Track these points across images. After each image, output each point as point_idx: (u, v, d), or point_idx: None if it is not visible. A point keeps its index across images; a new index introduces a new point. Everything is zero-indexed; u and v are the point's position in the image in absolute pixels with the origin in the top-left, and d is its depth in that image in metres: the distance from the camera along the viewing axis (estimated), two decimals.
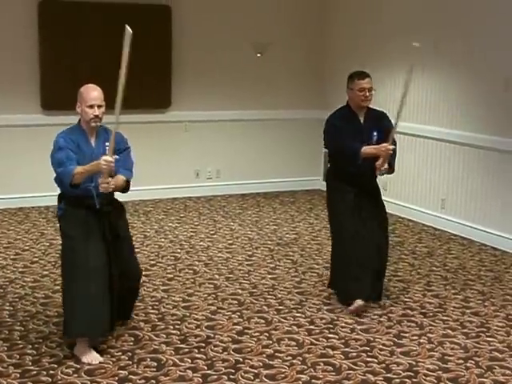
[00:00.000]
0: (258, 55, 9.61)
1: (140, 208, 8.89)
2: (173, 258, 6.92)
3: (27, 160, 8.10)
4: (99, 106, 4.82)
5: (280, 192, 9.89)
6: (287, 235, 7.81)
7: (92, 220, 4.76)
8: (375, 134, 5.57)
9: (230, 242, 7.49)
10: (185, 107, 9.38)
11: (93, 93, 4.86)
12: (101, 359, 4.67)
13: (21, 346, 4.85)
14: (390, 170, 5.57)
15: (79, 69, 8.46)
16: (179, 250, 7.16)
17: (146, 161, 9.24)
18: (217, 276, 6.40)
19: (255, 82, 9.49)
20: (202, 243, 7.42)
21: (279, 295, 5.94)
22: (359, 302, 5.51)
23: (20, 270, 6.47)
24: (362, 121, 5.66)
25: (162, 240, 7.51)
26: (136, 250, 7.00)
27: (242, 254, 7.08)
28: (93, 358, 4.66)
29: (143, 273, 6.32)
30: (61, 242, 4.98)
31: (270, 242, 7.48)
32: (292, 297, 5.91)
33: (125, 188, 4.95)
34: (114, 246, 4.84)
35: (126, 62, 4.58)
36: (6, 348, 4.80)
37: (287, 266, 6.74)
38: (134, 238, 7.37)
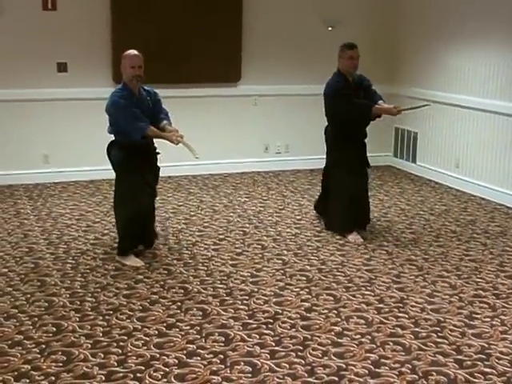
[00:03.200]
0: (329, 29, 9.47)
1: (209, 182, 8.92)
2: (241, 232, 6.92)
3: (99, 133, 8.18)
4: (139, 67, 5.83)
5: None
6: None
7: (143, 162, 5.98)
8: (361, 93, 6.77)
9: (298, 217, 7.45)
10: (255, 81, 9.34)
11: (134, 56, 5.86)
12: (142, 263, 5.93)
13: (92, 317, 4.93)
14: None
15: (150, 42, 8.48)
16: (248, 225, 7.15)
17: (215, 135, 9.28)
18: (285, 252, 6.38)
19: (326, 56, 9.32)
20: (270, 218, 7.40)
21: (348, 272, 5.89)
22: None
23: (91, 241, 6.57)
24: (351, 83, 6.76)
25: (231, 214, 7.52)
26: (205, 224, 7.10)
27: (310, 229, 7.04)
28: (136, 261, 5.96)
29: (212, 247, 6.41)
30: (116, 183, 6.11)
31: None
32: (361, 274, 5.85)
33: None
34: (153, 178, 6.18)
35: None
36: (77, 319, 4.88)
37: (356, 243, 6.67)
38: (203, 213, 7.50)
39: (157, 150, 6.20)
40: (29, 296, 5.25)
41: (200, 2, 8.83)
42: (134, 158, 5.91)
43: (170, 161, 8.76)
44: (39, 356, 4.36)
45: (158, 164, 6.24)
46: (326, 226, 7.07)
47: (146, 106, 5.99)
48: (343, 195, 6.75)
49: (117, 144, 6.00)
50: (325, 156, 7.06)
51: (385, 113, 6.78)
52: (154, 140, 6.14)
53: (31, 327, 4.74)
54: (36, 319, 4.86)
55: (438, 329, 4.83)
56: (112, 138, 6.10)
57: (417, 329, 4.83)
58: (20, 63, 8.37)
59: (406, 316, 5.03)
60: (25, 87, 8.43)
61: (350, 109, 6.61)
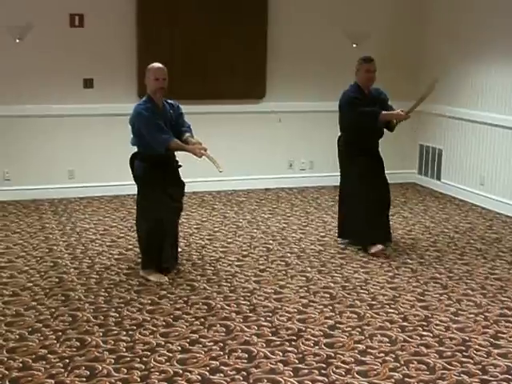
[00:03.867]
0: (354, 46, 9.47)
1: (233, 198, 8.93)
2: (265, 249, 6.92)
3: (124, 148, 8.23)
4: (163, 79, 5.91)
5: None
6: None
7: (165, 175, 6.03)
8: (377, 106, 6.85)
9: (322, 234, 7.44)
10: (279, 98, 9.35)
11: (158, 69, 5.96)
12: (166, 278, 5.93)
13: (115, 332, 4.94)
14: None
15: (176, 59, 8.53)
16: (271, 241, 7.15)
17: (239, 151, 9.31)
18: (309, 268, 6.36)
19: (351, 72, 9.30)
20: (294, 235, 7.39)
21: (372, 290, 5.86)
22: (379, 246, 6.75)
23: (115, 256, 6.60)
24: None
25: (255, 231, 7.52)
26: (229, 240, 7.11)
27: (334, 246, 7.02)
28: (160, 276, 5.97)
29: (235, 263, 6.41)
30: (138, 195, 6.20)
31: None
32: (385, 292, 5.81)
33: None
34: (176, 191, 6.16)
35: None
36: (101, 333, 4.90)
37: (380, 260, 6.63)
38: (226, 229, 7.51)
39: (179, 163, 6.22)
40: (53, 310, 5.28)
41: (225, 19, 8.87)
42: (155, 169, 5.97)
43: (195, 176, 8.78)
44: (63, 371, 4.37)
45: (183, 178, 6.26)
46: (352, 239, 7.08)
47: (169, 119, 6.04)
48: (359, 206, 6.80)
49: (139, 155, 6.06)
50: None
51: (393, 118, 6.85)
52: (177, 153, 6.17)
53: (55, 342, 4.76)
54: (60, 334, 4.88)
55: (463, 348, 4.79)
56: (135, 149, 6.15)
57: (441, 348, 4.79)
58: (47, 79, 8.46)
59: (431, 335, 4.99)
60: (51, 103, 8.51)
61: (358, 115, 6.74)
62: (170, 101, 6.13)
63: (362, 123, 6.80)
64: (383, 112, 6.78)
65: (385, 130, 7.03)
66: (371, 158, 6.96)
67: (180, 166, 6.23)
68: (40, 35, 8.35)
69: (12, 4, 8.23)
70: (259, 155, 9.43)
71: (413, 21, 9.72)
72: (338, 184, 7.19)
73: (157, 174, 5.98)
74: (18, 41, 8.27)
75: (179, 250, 6.47)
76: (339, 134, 7.05)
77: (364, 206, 6.77)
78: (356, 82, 6.94)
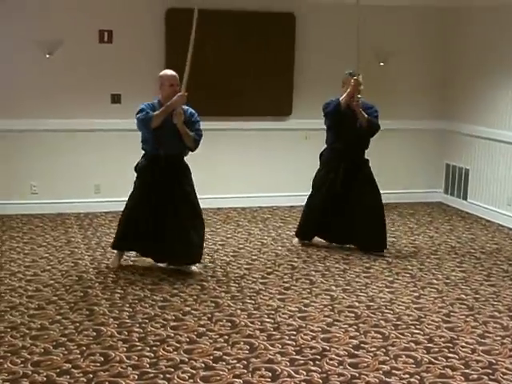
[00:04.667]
0: (381, 64, 9.46)
1: (258, 215, 8.93)
2: (289, 266, 6.89)
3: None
4: (177, 85, 6.30)
5: (399, 203, 9.71)
6: (406, 248, 7.65)
7: (158, 174, 6.35)
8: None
9: (347, 252, 7.40)
10: (305, 115, 9.35)
11: (172, 75, 6.38)
12: (116, 265, 6.65)
13: (139, 347, 4.94)
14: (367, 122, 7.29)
15: (204, 76, 8.58)
16: (296, 259, 7.13)
17: (265, 168, 9.32)
18: (333, 287, 6.33)
19: (377, 91, 9.32)
20: (318, 253, 7.36)
21: (397, 310, 5.81)
22: None
23: (140, 271, 6.61)
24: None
25: (279, 248, 7.51)
26: (253, 257, 7.09)
27: (359, 265, 6.98)
28: (114, 262, 6.66)
29: (260, 280, 6.38)
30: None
31: (388, 255, 7.34)
32: (410, 312, 5.77)
33: (191, 148, 6.46)
34: (177, 197, 6.41)
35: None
36: (125, 349, 4.90)
37: (405, 280, 6.59)
38: (251, 245, 7.50)
39: (180, 167, 6.51)
40: (78, 325, 5.30)
41: (253, 37, 8.91)
42: (153, 166, 6.38)
43: (219, 193, 8.83)
44: None
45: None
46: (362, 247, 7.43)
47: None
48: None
49: (143, 153, 6.51)
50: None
51: (348, 97, 7.23)
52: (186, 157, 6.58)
53: (79, 356, 4.77)
54: (84, 348, 4.89)
55: (490, 371, 4.72)
56: None
57: (467, 370, 4.73)
58: (75, 94, 8.54)
59: (457, 357, 4.94)
60: (79, 117, 8.59)
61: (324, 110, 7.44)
62: (183, 106, 6.35)
63: (328, 112, 7.35)
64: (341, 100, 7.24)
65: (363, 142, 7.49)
66: (341, 167, 7.39)
67: (186, 168, 6.54)
68: (69, 50, 8.44)
69: (43, 19, 8.33)
70: (285, 172, 9.42)
71: (439, 40, 9.69)
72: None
73: (153, 170, 6.39)
74: (48, 56, 8.36)
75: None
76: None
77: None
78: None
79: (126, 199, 6.72)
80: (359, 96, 7.19)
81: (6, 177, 8.54)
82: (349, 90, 7.19)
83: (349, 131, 7.30)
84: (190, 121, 6.38)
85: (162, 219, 6.44)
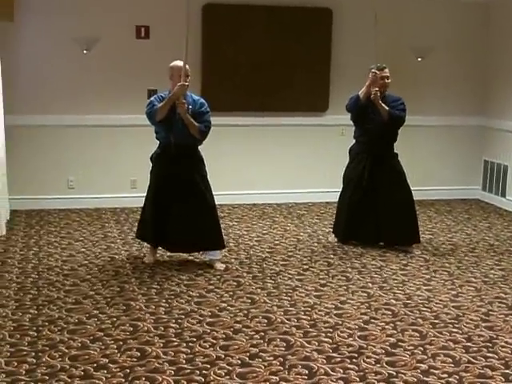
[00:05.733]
0: (419, 59, 9.37)
1: (293, 211, 8.90)
2: (325, 263, 6.86)
3: None
4: (187, 76, 6.34)
5: (435, 200, 9.63)
6: (443, 245, 7.57)
7: (170, 163, 6.43)
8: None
9: (383, 249, 7.34)
10: (342, 111, 9.24)
11: (181, 66, 6.34)
12: (151, 260, 6.68)
13: (175, 343, 4.94)
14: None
15: (240, 71, 8.58)
16: (332, 256, 7.09)
17: (301, 164, 9.29)
18: (370, 284, 6.28)
19: (415, 86, 9.27)
20: (355, 249, 7.32)
21: (435, 308, 5.74)
22: None
23: (176, 267, 6.62)
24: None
25: (315, 244, 7.47)
26: (289, 253, 7.07)
27: (396, 262, 6.92)
28: (150, 258, 6.72)
29: (296, 277, 6.36)
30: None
31: (425, 252, 7.27)
32: (448, 311, 5.69)
33: (199, 139, 6.49)
34: (186, 186, 6.45)
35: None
36: (161, 344, 4.91)
37: (443, 277, 6.52)
38: (286, 241, 7.47)
39: (200, 155, 6.59)
40: (114, 319, 5.31)
41: (289, 32, 8.89)
42: (165, 154, 6.49)
43: (255, 189, 8.81)
44: (123, 381, 4.38)
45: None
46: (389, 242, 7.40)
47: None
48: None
49: (158, 143, 6.63)
50: (411, 187, 7.20)
51: (367, 90, 7.24)
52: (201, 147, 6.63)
53: (116, 351, 4.78)
54: (121, 343, 4.90)
55: None
56: None
57: (507, 370, 4.65)
58: (112, 89, 8.59)
59: (496, 357, 4.86)
60: (115, 113, 8.64)
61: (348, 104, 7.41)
62: (195, 97, 6.56)
63: (349, 107, 7.37)
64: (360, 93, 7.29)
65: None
66: (367, 160, 7.34)
67: (200, 158, 6.57)
68: (107, 47, 8.49)
69: (79, 16, 8.39)
70: (321, 168, 9.38)
71: (479, 35, 9.58)
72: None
73: (162, 160, 6.51)
74: (85, 52, 8.42)
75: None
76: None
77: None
78: None
79: None
80: (376, 89, 7.14)
81: (44, 172, 8.62)
82: (367, 83, 7.22)
83: (372, 124, 7.27)
84: (198, 111, 6.44)
85: (171, 207, 6.49)
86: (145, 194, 6.69)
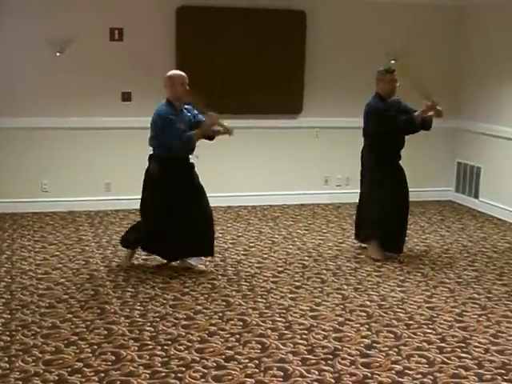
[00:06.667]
0: (392, 62, 9.42)
1: (268, 213, 8.91)
2: (300, 265, 6.87)
3: None
4: (188, 84, 6.27)
5: (409, 202, 9.64)
6: (417, 247, 7.62)
7: (181, 176, 6.35)
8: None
9: (358, 251, 7.37)
10: (316, 113, 9.33)
11: (183, 75, 6.33)
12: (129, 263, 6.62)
13: (150, 346, 4.93)
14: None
15: (214, 74, 8.57)
16: (307, 258, 7.11)
17: (276, 166, 9.30)
18: (345, 286, 6.30)
19: None
20: (330, 251, 7.34)
21: (409, 309, 5.78)
22: None
23: (151, 270, 6.59)
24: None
25: (290, 247, 7.49)
26: (264, 255, 7.08)
27: (370, 264, 6.95)
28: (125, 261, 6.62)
29: (271, 279, 6.37)
30: (147, 193, 6.50)
31: (399, 254, 7.30)
32: (422, 312, 5.73)
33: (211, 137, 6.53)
34: (192, 192, 6.42)
35: None
36: (136, 348, 4.89)
37: (417, 279, 6.56)
38: (262, 244, 7.48)
39: (191, 161, 6.50)
40: (89, 323, 5.29)
41: (264, 35, 8.89)
42: (171, 172, 6.33)
43: (230, 191, 8.82)
44: None
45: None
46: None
47: (188, 121, 6.40)
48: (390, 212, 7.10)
49: (156, 158, 6.39)
50: None
51: (427, 112, 6.99)
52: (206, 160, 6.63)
53: (91, 355, 4.76)
54: (95, 347, 4.88)
55: (503, 371, 4.69)
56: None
57: (481, 370, 4.70)
58: (85, 92, 8.54)
59: (470, 357, 4.91)
60: (90, 115, 8.59)
61: (398, 123, 6.94)
62: (186, 106, 6.46)
63: (404, 132, 7.07)
64: (414, 114, 6.97)
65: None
66: (399, 169, 7.24)
67: (192, 164, 6.49)
68: (80, 49, 8.44)
69: (53, 18, 8.33)
70: (295, 170, 9.40)
71: (452, 38, 9.66)
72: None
73: (172, 176, 6.33)
74: (58, 54, 8.36)
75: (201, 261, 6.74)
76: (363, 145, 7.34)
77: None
78: (377, 93, 7.13)
79: (137, 197, 6.69)
80: (431, 113, 7.05)
81: (17, 175, 8.55)
82: (422, 110, 6.97)
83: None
84: (197, 120, 6.43)
85: (183, 217, 6.44)
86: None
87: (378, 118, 7.01)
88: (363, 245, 7.39)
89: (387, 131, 6.99)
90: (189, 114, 6.42)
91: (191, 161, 6.49)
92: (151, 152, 6.50)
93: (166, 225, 6.44)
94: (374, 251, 7.11)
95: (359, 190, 7.54)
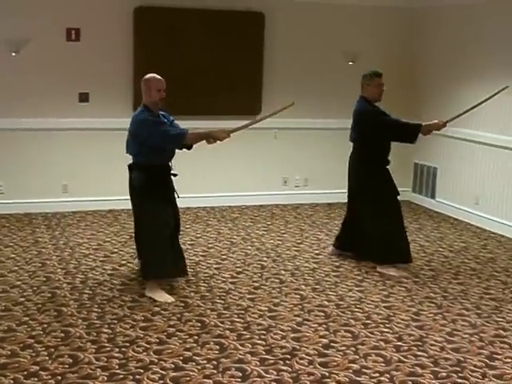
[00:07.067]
0: (350, 63, 9.50)
1: (227, 214, 8.91)
2: (259, 266, 6.89)
3: (119, 163, 8.22)
4: (164, 90, 6.02)
5: None
6: None
7: (165, 184, 6.09)
8: None
9: (316, 251, 7.41)
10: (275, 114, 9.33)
11: (160, 80, 6.05)
12: (172, 299, 5.81)
13: (108, 348, 4.89)
14: None
15: (173, 75, 8.52)
16: (266, 259, 7.12)
17: (234, 167, 9.31)
18: (303, 286, 6.33)
19: (346, 90, 9.35)
20: (288, 252, 7.37)
21: (366, 308, 5.83)
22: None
23: (109, 272, 6.56)
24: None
25: (249, 247, 7.49)
26: (223, 256, 7.08)
27: (328, 264, 6.99)
28: (167, 297, 5.85)
29: (230, 280, 6.37)
30: (137, 205, 6.06)
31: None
32: (379, 311, 5.78)
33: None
34: (175, 203, 6.22)
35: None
36: (94, 350, 4.85)
37: (375, 278, 6.62)
38: (220, 245, 7.48)
39: (174, 172, 6.20)
40: (45, 326, 5.23)
41: (222, 36, 8.90)
42: (155, 179, 6.00)
43: (189, 192, 8.77)
44: None
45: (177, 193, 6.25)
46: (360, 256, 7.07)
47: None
48: (384, 224, 6.82)
49: (137, 166, 6.03)
50: (343, 190, 7.15)
51: (433, 128, 6.96)
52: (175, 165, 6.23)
53: (47, 358, 4.71)
54: (52, 350, 4.83)
55: (458, 369, 4.75)
56: (128, 162, 6.13)
57: (436, 368, 4.76)
58: (42, 92, 8.45)
59: (426, 355, 4.96)
60: (46, 116, 8.50)
61: (399, 128, 6.84)
62: (160, 112, 6.15)
63: (402, 138, 6.97)
64: (423, 125, 6.89)
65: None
66: (389, 173, 7.01)
67: (176, 174, 6.20)
68: (36, 49, 8.35)
69: (9, 17, 8.22)
70: (254, 171, 9.42)
71: (407, 40, 9.75)
72: (338, 203, 7.21)
73: (157, 183, 6.02)
74: (14, 54, 8.26)
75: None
76: (345, 157, 7.14)
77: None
78: (363, 97, 6.92)
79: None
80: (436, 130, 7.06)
81: None
82: (434, 124, 6.95)
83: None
84: (171, 120, 6.21)
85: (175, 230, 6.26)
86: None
87: (378, 122, 6.79)
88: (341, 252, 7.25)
89: (385, 135, 6.84)
90: (165, 120, 6.11)
91: (172, 170, 6.17)
92: (131, 161, 6.10)
93: (169, 242, 6.06)
94: (388, 271, 6.77)
95: (347, 193, 7.24)
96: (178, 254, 6.26)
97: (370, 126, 6.81)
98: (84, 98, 8.67)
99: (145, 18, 8.63)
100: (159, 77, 6.06)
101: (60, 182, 8.70)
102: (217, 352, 4.89)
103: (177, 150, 6.18)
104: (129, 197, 6.14)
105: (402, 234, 6.94)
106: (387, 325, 5.49)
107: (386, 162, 6.97)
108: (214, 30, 8.88)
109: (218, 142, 6.16)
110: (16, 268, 6.58)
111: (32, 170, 8.57)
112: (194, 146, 6.26)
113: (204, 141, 6.13)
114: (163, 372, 4.57)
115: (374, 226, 6.83)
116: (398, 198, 7.08)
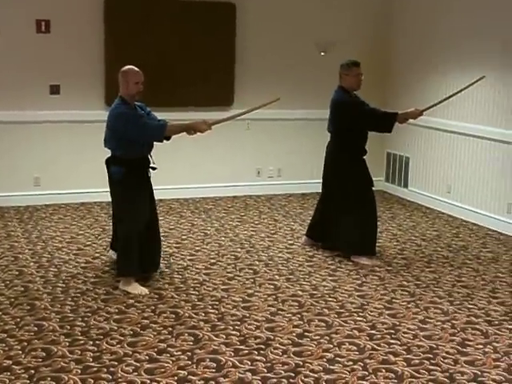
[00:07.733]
0: (322, 54, 9.51)
1: (201, 206, 8.90)
2: (233, 257, 6.89)
3: (91, 155, 8.19)
4: (142, 83, 5.96)
5: None
6: None
7: (145, 178, 6.05)
8: None
9: (290, 242, 7.43)
10: (247, 105, 9.28)
11: (138, 72, 5.98)
12: (146, 290, 5.81)
13: (82, 341, 4.88)
14: None
15: (144, 66, 8.47)
16: (239, 249, 7.13)
17: (208, 159, 9.30)
18: (277, 277, 6.35)
19: (318, 80, 9.38)
20: (262, 243, 7.38)
21: (340, 298, 5.86)
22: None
23: (82, 265, 6.53)
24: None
25: (223, 239, 7.50)
26: (196, 248, 7.08)
27: (302, 254, 7.02)
28: (141, 289, 5.83)
29: (203, 271, 6.38)
30: (117, 200, 6.02)
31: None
32: (353, 300, 5.82)
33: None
34: (153, 197, 6.20)
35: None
36: (67, 343, 4.84)
37: (348, 267, 6.65)
38: (194, 236, 7.47)
39: (154, 165, 6.10)
40: (18, 320, 5.20)
41: (193, 26, 8.87)
42: (135, 173, 5.96)
43: (162, 184, 8.74)
44: (28, 382, 4.30)
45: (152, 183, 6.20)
46: (332, 248, 7.07)
47: None
48: (361, 215, 6.88)
49: (116, 159, 5.96)
50: (317, 180, 7.15)
51: (410, 117, 6.99)
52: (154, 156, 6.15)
53: (20, 352, 4.69)
54: (25, 344, 4.81)
55: (431, 356, 4.80)
56: (103, 154, 6.08)
57: (409, 356, 4.80)
58: (13, 85, 8.37)
59: (399, 343, 5.01)
60: (17, 109, 8.42)
61: (376, 118, 6.83)
62: (137, 103, 6.09)
63: (379, 127, 6.97)
64: (399, 113, 6.89)
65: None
66: (365, 164, 7.06)
67: (155, 168, 6.11)
68: (6, 41, 8.26)
69: None
70: (227, 162, 9.42)
71: (378, 30, 9.78)
72: (312, 193, 7.19)
73: (136, 177, 5.98)
74: None
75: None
76: (318, 147, 7.18)
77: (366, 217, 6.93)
78: (341, 87, 6.88)
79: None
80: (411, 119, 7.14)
81: None
82: (408, 116, 6.97)
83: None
84: (148, 110, 6.17)
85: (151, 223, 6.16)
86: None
87: (356, 111, 6.79)
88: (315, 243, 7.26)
89: (363, 124, 6.85)
90: (142, 112, 6.04)
91: (151, 163, 6.09)
92: (108, 155, 6.04)
93: (145, 238, 6.03)
94: (360, 261, 6.80)
95: (322, 186, 7.21)
96: (155, 250, 6.23)
97: (348, 116, 6.81)
98: (55, 90, 8.60)
99: (115, 8, 8.57)
100: (137, 69, 5.99)
101: (32, 175, 8.63)
102: (191, 343, 4.90)
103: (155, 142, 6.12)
104: (102, 189, 6.12)
105: (373, 227, 6.97)
106: (361, 313, 5.53)
107: (363, 152, 6.99)
108: (185, 21, 8.85)
109: (199, 133, 6.11)
110: None
111: (3, 164, 8.49)
112: (173, 136, 6.20)
113: (184, 132, 6.09)
114: (137, 364, 4.57)
115: (347, 217, 6.85)
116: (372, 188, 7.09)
